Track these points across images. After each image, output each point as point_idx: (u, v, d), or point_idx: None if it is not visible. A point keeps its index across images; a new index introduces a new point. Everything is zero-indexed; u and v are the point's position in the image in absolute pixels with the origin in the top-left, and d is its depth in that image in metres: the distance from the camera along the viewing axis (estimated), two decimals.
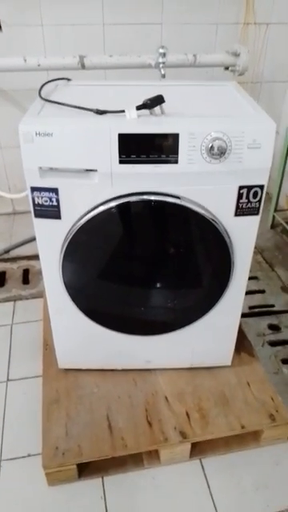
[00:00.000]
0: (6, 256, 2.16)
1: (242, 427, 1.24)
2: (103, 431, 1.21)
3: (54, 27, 2.04)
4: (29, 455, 1.25)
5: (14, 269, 2.08)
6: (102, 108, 0.99)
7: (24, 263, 2.11)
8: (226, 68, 1.99)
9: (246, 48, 1.89)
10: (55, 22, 2.03)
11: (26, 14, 1.99)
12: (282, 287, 1.96)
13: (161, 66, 1.71)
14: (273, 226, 2.39)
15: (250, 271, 1.21)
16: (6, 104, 2.07)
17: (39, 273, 1.79)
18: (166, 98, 0.99)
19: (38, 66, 1.76)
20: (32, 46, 2.04)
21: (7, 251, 2.19)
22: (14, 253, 2.18)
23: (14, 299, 1.88)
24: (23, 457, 1.24)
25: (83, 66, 1.79)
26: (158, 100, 0.97)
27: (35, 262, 2.07)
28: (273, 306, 1.85)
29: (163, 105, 1.00)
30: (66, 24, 2.04)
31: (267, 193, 1.04)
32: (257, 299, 1.89)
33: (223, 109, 1.11)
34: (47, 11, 2.01)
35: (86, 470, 1.19)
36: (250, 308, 1.83)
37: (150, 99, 0.97)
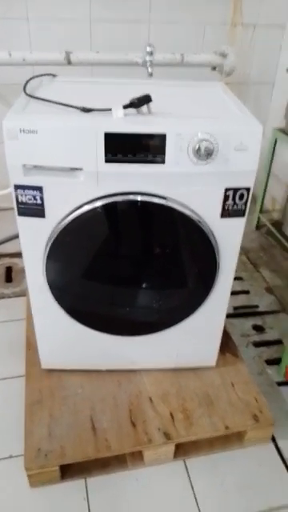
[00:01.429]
0: None
1: (226, 428, 1.24)
2: (87, 432, 1.20)
3: (40, 21, 2.02)
4: (11, 456, 1.23)
5: None
6: (88, 106, 0.97)
7: (7, 261, 2.08)
8: (214, 68, 1.99)
9: (233, 49, 1.89)
10: (41, 16, 2.01)
11: (11, 7, 1.96)
12: (266, 288, 1.97)
13: (148, 64, 1.69)
14: (258, 227, 2.41)
15: (235, 272, 1.21)
16: None
17: (22, 271, 1.76)
18: (153, 98, 0.98)
19: (23, 60, 1.73)
20: (17, 40, 2.01)
21: None
22: None
23: None
24: (5, 458, 1.22)
25: (69, 62, 1.76)
26: (145, 99, 0.96)
27: (18, 259, 2.04)
28: (257, 306, 1.86)
29: (150, 104, 0.99)
30: (52, 18, 2.02)
31: (252, 194, 1.04)
32: (241, 300, 1.90)
33: (210, 110, 1.10)
34: (33, 5, 1.98)
35: (68, 471, 1.18)
36: (235, 308, 1.84)
37: (137, 98, 0.96)
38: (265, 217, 2.38)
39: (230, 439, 1.29)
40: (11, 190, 0.99)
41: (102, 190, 0.99)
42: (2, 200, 2.44)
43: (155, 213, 1.04)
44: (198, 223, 1.05)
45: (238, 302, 1.87)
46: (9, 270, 2.02)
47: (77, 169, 0.96)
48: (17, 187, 0.97)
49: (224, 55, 1.91)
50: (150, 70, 1.74)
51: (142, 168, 0.96)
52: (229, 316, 1.72)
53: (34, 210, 1.00)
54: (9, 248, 2.12)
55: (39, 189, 0.97)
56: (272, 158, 2.19)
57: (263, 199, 2.33)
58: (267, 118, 2.45)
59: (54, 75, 1.26)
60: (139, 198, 0.99)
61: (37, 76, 1.19)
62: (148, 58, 1.68)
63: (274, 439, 1.32)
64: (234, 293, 1.86)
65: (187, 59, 1.87)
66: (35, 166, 0.96)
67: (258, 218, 2.38)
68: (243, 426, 1.26)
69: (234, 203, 1.03)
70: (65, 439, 1.18)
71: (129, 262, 1.16)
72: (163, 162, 0.96)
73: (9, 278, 1.97)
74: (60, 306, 1.19)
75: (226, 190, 1.01)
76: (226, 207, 1.04)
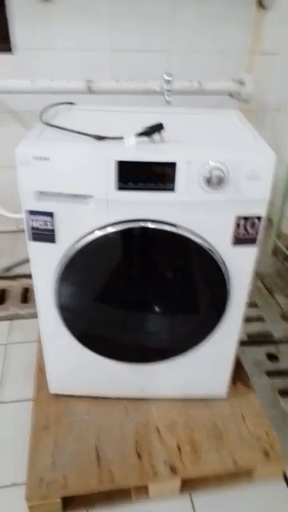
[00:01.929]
0: (7, 274, 2.15)
1: (235, 463, 1.19)
2: (91, 462, 1.17)
3: (63, 52, 2.09)
4: (14, 484, 1.20)
5: (13, 287, 2.06)
6: (102, 134, 0.99)
7: (25, 282, 2.09)
8: (231, 95, 2.01)
9: (251, 76, 1.91)
10: (64, 47, 2.08)
11: (36, 38, 2.04)
12: (281, 315, 1.93)
13: (166, 92, 1.72)
14: (274, 253, 2.37)
15: (249, 298, 1.18)
16: (15, 124, 2.10)
17: None
18: (167, 126, 0.99)
19: (46, 88, 1.78)
20: (42, 69, 2.08)
21: (8, 269, 2.18)
22: (15, 271, 2.17)
23: (12, 318, 1.86)
24: (7, 486, 1.20)
25: (90, 91, 1.81)
26: (157, 127, 0.97)
27: None
28: (271, 334, 1.82)
29: (163, 132, 1.00)
30: (75, 49, 2.08)
31: (269, 218, 1.03)
32: (255, 327, 1.85)
33: (223, 138, 1.11)
34: (57, 36, 2.05)
35: (71, 502, 1.15)
36: (249, 336, 1.79)
37: (149, 127, 0.97)
38: (281, 242, 2.34)
39: (238, 475, 1.24)
40: (23, 215, 1.00)
41: (113, 217, 0.99)
42: (22, 222, 2.49)
43: (165, 240, 1.04)
44: (209, 251, 1.04)
45: (251, 329, 1.83)
46: (25, 291, 2.04)
47: (88, 196, 0.97)
48: (29, 212, 0.99)
49: (242, 83, 1.93)
50: (167, 98, 1.77)
51: (153, 196, 0.96)
52: (242, 344, 1.68)
53: (46, 236, 1.01)
54: (26, 269, 2.14)
55: (50, 214, 0.98)
56: None
57: (280, 224, 2.30)
58: (285, 142, 2.44)
59: (71, 103, 1.29)
60: (149, 225, 0.99)
61: (54, 104, 1.22)
62: (165, 87, 1.71)
63: (286, 477, 1.26)
64: (247, 319, 1.82)
65: (205, 87, 1.90)
66: (47, 193, 0.97)
67: (275, 243, 2.35)
68: (253, 461, 1.21)
69: (245, 231, 1.02)
70: (68, 469, 1.15)
71: (139, 289, 1.16)
72: (173, 190, 0.96)
73: (25, 298, 1.99)
74: (69, 332, 1.19)
75: (238, 218, 1.00)
76: (238, 235, 1.02)
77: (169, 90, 1.70)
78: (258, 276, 2.17)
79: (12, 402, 1.45)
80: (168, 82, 1.68)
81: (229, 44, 2.20)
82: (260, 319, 1.90)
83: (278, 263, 2.32)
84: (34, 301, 1.92)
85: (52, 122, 1.08)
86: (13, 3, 1.95)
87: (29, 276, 2.08)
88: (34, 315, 1.83)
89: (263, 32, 2.21)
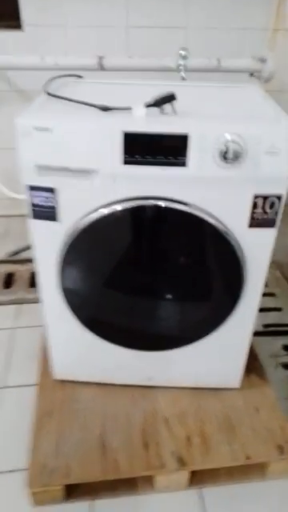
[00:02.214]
0: (15, 257, 2.12)
1: (247, 458, 1.13)
2: (95, 451, 1.13)
3: (77, 29, 2.01)
4: (15, 470, 1.17)
5: (22, 271, 2.03)
6: (110, 105, 0.92)
7: (32, 266, 2.05)
8: (252, 74, 1.91)
9: (272, 54, 1.80)
10: (78, 24, 2.00)
11: (48, 15, 1.96)
12: None
13: (181, 68, 1.63)
14: None
15: (267, 287, 1.11)
16: (24, 104, 2.04)
17: None
18: (180, 98, 0.92)
19: (55, 64, 1.71)
20: (53, 47, 2.00)
21: (17, 253, 2.14)
22: (24, 255, 2.13)
23: (19, 302, 1.83)
24: (9, 471, 1.17)
25: (102, 67, 1.73)
26: (168, 98, 0.90)
27: None
28: None
29: (175, 104, 0.92)
30: (88, 26, 2.01)
31: (286, 205, 0.95)
32: (272, 317, 1.78)
33: (241, 110, 1.03)
34: (70, 12, 1.97)
35: (75, 491, 1.11)
36: (265, 326, 1.72)
37: (160, 97, 0.90)
38: None
39: (251, 469, 1.18)
40: (26, 190, 0.94)
41: (119, 194, 0.93)
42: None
43: (176, 220, 0.97)
44: (223, 233, 0.96)
45: (268, 319, 1.75)
46: (33, 275, 2.00)
47: (92, 170, 0.91)
48: (30, 188, 0.93)
49: (263, 60, 1.82)
50: (183, 74, 1.68)
51: (163, 171, 0.89)
52: (257, 334, 1.60)
53: (47, 213, 0.96)
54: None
55: (52, 190, 0.93)
56: None
57: None
58: None
59: (80, 76, 1.22)
60: (159, 203, 0.92)
61: (61, 76, 1.15)
62: (181, 62, 1.62)
63: None
64: (264, 309, 1.74)
65: (224, 64, 1.80)
66: (49, 167, 0.91)
67: None
68: (266, 456, 1.15)
69: (263, 212, 0.94)
70: (72, 457, 1.11)
71: (147, 272, 1.09)
72: (185, 164, 0.88)
73: (32, 283, 1.95)
74: (75, 316, 1.14)
75: (255, 197, 0.93)
76: (255, 216, 0.95)
77: (184, 66, 1.61)
78: (276, 265, 2.08)
79: (17, 386, 1.41)
80: (184, 57, 1.59)
81: (249, 21, 2.09)
82: (277, 309, 1.82)
83: None
84: None
85: (58, 94, 1.02)
86: None
87: None
88: None
89: (286, 8, 2.09)
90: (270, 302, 1.85)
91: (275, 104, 1.04)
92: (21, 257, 2.11)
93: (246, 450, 1.15)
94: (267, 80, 1.87)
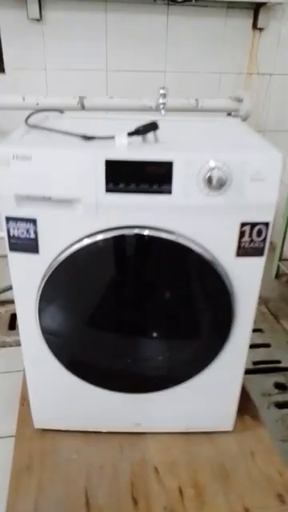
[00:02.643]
0: None
1: (245, 510, 1.03)
2: (79, 510, 1.01)
3: (58, 72, 2.06)
4: None
5: (1, 313, 1.94)
6: (90, 135, 0.90)
7: (13, 307, 1.97)
8: (229, 114, 1.96)
9: (248, 93, 1.86)
10: (59, 67, 2.05)
11: (30, 58, 2.01)
12: None
13: (161, 107, 1.66)
14: (277, 276, 2.26)
15: (254, 323, 1.07)
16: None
17: None
18: (163, 129, 0.91)
19: (37, 104, 1.72)
20: (35, 90, 2.03)
21: None
22: (2, 296, 2.05)
23: None
24: None
25: (83, 107, 1.75)
26: (151, 126, 0.89)
27: None
28: (279, 361, 1.68)
29: (158, 133, 0.91)
30: (69, 69, 2.06)
31: (271, 242, 0.92)
32: (261, 354, 1.72)
33: (224, 140, 1.02)
34: (51, 56, 2.02)
35: None
36: (254, 364, 1.66)
37: (142, 125, 0.89)
38: (285, 265, 2.24)
39: None
40: (3, 222, 0.90)
41: (102, 224, 0.89)
42: None
43: (161, 250, 0.93)
44: (211, 262, 0.93)
45: (257, 356, 1.69)
46: (13, 318, 1.92)
47: (74, 200, 0.87)
48: (8, 219, 0.88)
49: (239, 100, 1.88)
50: (163, 112, 1.70)
51: (147, 199, 0.86)
52: (247, 372, 1.54)
53: (27, 245, 0.90)
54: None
55: (33, 221, 0.88)
56: None
57: (282, 247, 2.20)
58: (285, 166, 2.38)
59: (61, 111, 1.21)
60: (144, 232, 0.89)
61: (41, 110, 1.14)
62: (161, 101, 1.64)
63: None
64: (253, 346, 1.69)
65: (202, 104, 1.85)
66: (29, 197, 0.87)
67: (278, 267, 2.24)
68: (265, 507, 1.05)
69: (251, 240, 0.91)
70: None
71: (132, 307, 1.04)
72: (170, 192, 0.86)
73: (12, 325, 1.86)
74: (55, 357, 1.06)
75: (242, 225, 0.90)
76: (242, 245, 0.92)
77: (164, 105, 1.64)
78: (262, 300, 2.06)
79: None
80: (164, 95, 1.62)
81: (225, 66, 2.18)
82: (266, 346, 1.77)
83: (282, 287, 2.21)
84: None
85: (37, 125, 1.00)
86: (4, 24, 1.93)
87: None
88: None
89: (259, 53, 2.20)
90: (258, 338, 1.80)
91: (257, 134, 1.04)
92: (0, 298, 2.03)
93: (244, 501, 1.06)
94: (244, 119, 1.92)
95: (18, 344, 1.71)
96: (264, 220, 0.90)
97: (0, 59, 1.97)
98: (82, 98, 1.75)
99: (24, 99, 1.72)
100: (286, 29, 2.16)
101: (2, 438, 1.29)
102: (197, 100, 1.85)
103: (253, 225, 0.90)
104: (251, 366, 1.63)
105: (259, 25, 2.11)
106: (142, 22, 2.03)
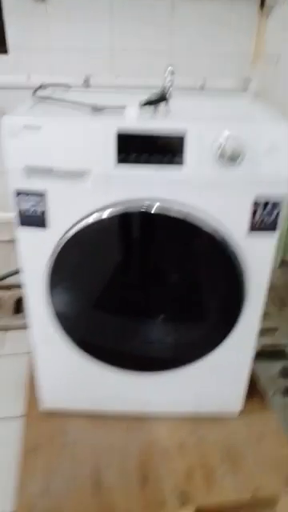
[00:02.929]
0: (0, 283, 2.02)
1: (255, 491, 1.02)
2: (89, 489, 1.00)
3: (62, 52, 2.01)
4: None
5: (6, 297, 1.93)
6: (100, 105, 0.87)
7: (18, 292, 1.96)
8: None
9: (257, 73, 1.83)
10: (63, 47, 2.00)
11: (33, 38, 1.96)
12: None
13: (169, 85, 1.62)
14: (281, 265, 2.24)
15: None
16: None
17: None
18: (174, 102, 0.88)
19: (42, 83, 1.68)
20: (39, 71, 2.00)
21: (1, 279, 2.04)
22: (8, 281, 2.03)
23: (4, 329, 1.72)
24: None
25: (88, 86, 1.72)
26: (163, 97, 0.86)
27: None
28: (286, 346, 1.66)
29: (169, 105, 0.88)
30: (73, 49, 2.01)
31: None
32: (268, 339, 1.70)
33: (238, 112, 0.99)
34: (55, 36, 1.98)
35: None
36: (260, 348, 1.64)
37: (154, 95, 0.86)
38: None
39: (259, 504, 1.06)
40: (12, 196, 0.87)
41: (112, 198, 0.86)
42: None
43: (172, 225, 0.90)
44: (222, 237, 0.90)
45: (263, 341, 1.67)
46: (19, 302, 1.91)
47: (85, 171, 0.84)
48: (18, 193, 0.86)
49: (247, 80, 1.85)
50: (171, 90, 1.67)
51: (159, 171, 0.84)
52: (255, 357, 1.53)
53: (36, 220, 0.88)
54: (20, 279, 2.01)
55: (42, 194, 0.86)
56: None
57: (287, 235, 2.17)
58: None
59: (69, 86, 1.18)
60: (154, 205, 0.86)
61: (48, 84, 1.11)
62: (169, 78, 1.61)
63: None
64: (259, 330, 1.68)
65: (209, 84, 1.81)
66: (38, 169, 0.84)
67: (282, 255, 2.22)
68: (275, 488, 1.04)
69: (264, 215, 0.89)
70: (63, 496, 0.99)
71: (140, 285, 1.02)
72: (182, 163, 0.83)
73: (18, 309, 1.85)
74: (64, 334, 1.04)
75: (256, 198, 0.87)
76: (256, 219, 0.89)
77: (172, 82, 1.60)
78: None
79: (2, 418, 1.28)
80: (171, 72, 1.58)
81: (231, 46, 2.13)
82: (273, 330, 1.75)
83: (286, 275, 2.18)
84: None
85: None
86: (7, 4, 1.89)
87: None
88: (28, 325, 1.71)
89: (266, 35, 2.15)
90: (265, 323, 1.78)
91: (270, 108, 1.01)
92: (5, 283, 2.01)
93: (253, 482, 1.05)
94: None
95: (24, 327, 1.71)
96: (278, 194, 0.88)
97: (3, 40, 1.93)
98: (87, 77, 1.72)
99: (29, 78, 1.69)
100: None
101: (9, 418, 1.28)
102: (204, 79, 1.81)
103: (266, 199, 0.87)
104: (258, 350, 1.61)
105: (266, 4, 2.06)
106: (147, 4, 1.98)
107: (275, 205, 0.88)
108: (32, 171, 0.84)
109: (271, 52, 2.18)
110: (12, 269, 2.05)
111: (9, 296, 1.92)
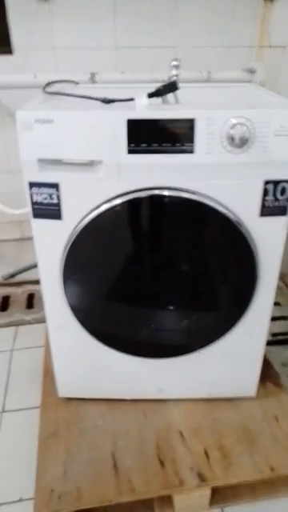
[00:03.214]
0: (11, 280, 2.06)
1: (272, 469, 1.05)
2: (107, 471, 1.03)
3: (67, 50, 2.03)
4: (21, 499, 1.07)
5: (18, 293, 1.97)
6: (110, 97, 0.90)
7: (29, 288, 2.00)
8: None
9: (261, 65, 1.84)
10: (68, 46, 2.03)
11: (38, 38, 1.99)
12: None
13: (174, 78, 1.64)
14: None
15: None
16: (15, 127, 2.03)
17: None
18: (181, 93, 0.90)
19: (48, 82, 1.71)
20: (44, 69, 2.02)
21: (13, 275, 2.08)
22: (19, 277, 2.07)
23: (17, 324, 1.75)
24: (15, 501, 1.06)
25: (94, 83, 1.74)
26: (171, 86, 0.88)
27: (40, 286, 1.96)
28: None
29: (177, 95, 0.91)
30: (78, 47, 2.03)
31: None
32: (279, 326, 1.72)
33: (245, 99, 1.01)
34: (60, 35, 2.00)
35: None
36: (273, 335, 1.66)
37: (162, 85, 0.88)
38: None
39: (275, 484, 1.09)
40: (26, 189, 0.90)
41: (124, 186, 0.89)
42: (27, 229, 2.40)
43: (184, 211, 0.93)
44: (234, 222, 0.92)
45: (276, 328, 1.69)
46: (30, 297, 1.94)
47: (96, 162, 0.87)
48: (32, 185, 0.89)
49: (252, 71, 1.86)
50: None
51: (169, 159, 0.86)
52: (267, 343, 1.55)
53: (50, 211, 0.91)
54: (32, 275, 2.05)
55: (56, 186, 0.88)
56: None
57: None
58: None
59: (76, 82, 1.21)
60: (166, 193, 0.88)
61: (57, 81, 1.14)
62: (174, 72, 1.62)
63: None
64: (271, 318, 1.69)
65: (214, 76, 1.83)
66: (51, 161, 0.87)
67: None
68: None
69: (275, 199, 0.91)
70: (82, 479, 1.01)
71: (154, 272, 1.04)
72: (192, 151, 0.85)
73: (30, 304, 1.89)
74: (79, 323, 1.07)
75: (266, 182, 0.89)
76: (266, 204, 0.91)
77: (177, 76, 1.62)
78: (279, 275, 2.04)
79: (18, 410, 1.32)
80: (176, 67, 1.60)
81: (235, 39, 2.14)
82: (284, 318, 1.76)
83: None
84: (39, 306, 1.84)
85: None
86: (12, 4, 1.92)
87: (34, 282, 2.00)
88: (40, 320, 1.74)
89: (271, 25, 2.15)
90: (276, 311, 1.80)
91: (277, 95, 1.03)
92: (17, 279, 2.05)
93: (270, 462, 1.07)
94: None
95: (37, 322, 1.75)
96: None
97: (8, 41, 1.96)
98: (93, 75, 1.74)
99: (35, 77, 1.72)
100: None
101: (27, 409, 1.31)
102: (209, 72, 1.83)
103: (276, 182, 0.89)
104: (270, 338, 1.63)
105: None
106: None
107: (285, 188, 0.90)
108: (45, 163, 0.86)
109: (276, 42, 2.19)
110: (21, 266, 2.09)
111: (20, 292, 1.95)
